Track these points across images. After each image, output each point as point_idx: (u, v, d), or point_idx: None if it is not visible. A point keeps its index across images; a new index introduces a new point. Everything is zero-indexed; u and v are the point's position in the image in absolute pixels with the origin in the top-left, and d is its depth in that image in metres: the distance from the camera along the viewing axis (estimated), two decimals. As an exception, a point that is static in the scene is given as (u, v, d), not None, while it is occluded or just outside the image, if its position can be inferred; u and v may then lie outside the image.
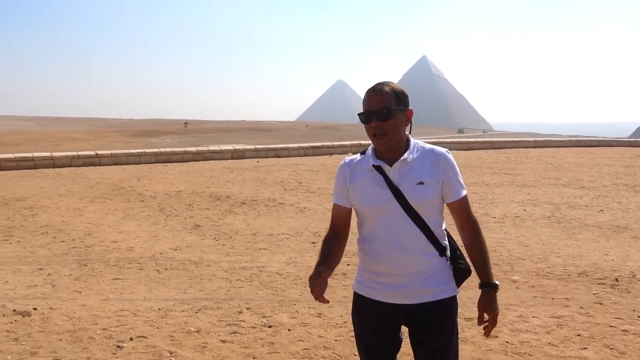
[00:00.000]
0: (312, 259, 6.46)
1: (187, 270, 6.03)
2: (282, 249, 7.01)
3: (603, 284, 5.42)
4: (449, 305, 2.24)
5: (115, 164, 18.09)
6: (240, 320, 4.49)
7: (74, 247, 7.07)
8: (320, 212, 9.43)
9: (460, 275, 2.28)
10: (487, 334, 2.24)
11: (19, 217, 9.00)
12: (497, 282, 2.24)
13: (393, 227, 2.18)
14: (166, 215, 9.24)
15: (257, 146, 22.14)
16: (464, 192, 2.25)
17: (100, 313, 4.66)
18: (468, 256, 2.28)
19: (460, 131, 68.14)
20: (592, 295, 5.10)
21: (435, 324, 2.21)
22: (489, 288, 2.21)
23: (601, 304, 4.89)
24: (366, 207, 2.23)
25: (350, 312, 2.41)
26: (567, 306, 4.84)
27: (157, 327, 4.34)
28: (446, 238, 2.30)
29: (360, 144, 24.03)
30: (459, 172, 2.25)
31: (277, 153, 21.73)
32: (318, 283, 2.12)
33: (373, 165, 2.22)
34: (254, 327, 4.36)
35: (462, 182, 2.25)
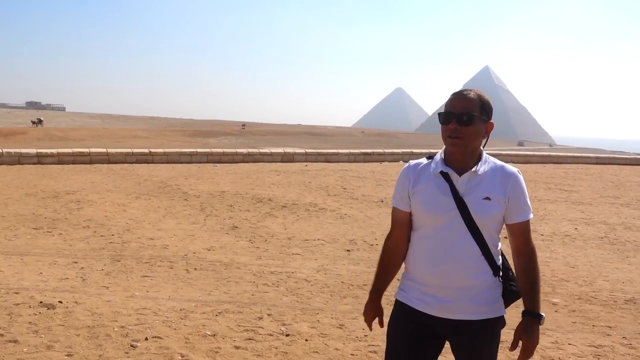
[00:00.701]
0: (343, 267, 6.30)
1: (216, 271, 5.98)
2: (316, 255, 6.87)
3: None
4: (494, 326, 2.18)
5: (168, 162, 18.44)
6: (259, 327, 4.38)
7: (111, 242, 7.16)
8: (360, 220, 9.24)
9: (509, 296, 2.22)
10: None
11: (65, 210, 9.22)
12: (542, 314, 2.15)
13: (450, 238, 2.13)
14: (206, 215, 9.27)
15: (307, 150, 22.14)
16: (530, 216, 2.18)
17: (122, 310, 4.65)
18: (518, 281, 2.20)
19: (521, 144, 66.36)
20: (638, 325, 4.72)
21: (477, 343, 2.16)
22: (532, 317, 2.12)
23: (647, 335, 4.51)
24: (426, 213, 2.18)
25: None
26: (608, 335, 4.49)
27: (175, 329, 4.28)
28: (500, 257, 2.24)
29: (412, 152, 23.66)
30: (527, 194, 2.18)
31: (327, 158, 21.65)
32: (370, 311, 2.37)
33: (441, 172, 2.17)
34: (271, 335, 4.23)
35: (529, 205, 2.18)
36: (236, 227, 8.34)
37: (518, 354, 2.16)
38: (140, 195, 11.04)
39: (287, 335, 4.25)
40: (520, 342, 2.13)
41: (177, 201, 10.47)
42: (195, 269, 6.05)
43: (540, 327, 2.17)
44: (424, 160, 2.27)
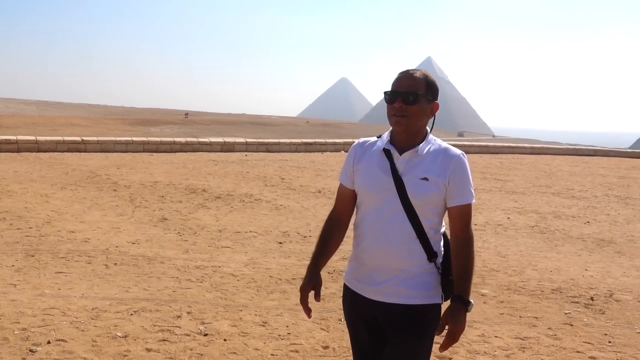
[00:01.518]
0: (273, 260, 6.10)
1: (137, 266, 5.66)
2: (246, 247, 6.64)
3: (577, 302, 5.06)
4: (425, 314, 2.11)
5: (102, 151, 17.69)
6: (175, 326, 4.12)
7: (27, 236, 6.70)
8: (296, 211, 9.05)
9: (450, 287, 2.14)
10: (442, 347, 2.09)
11: (-20, 201, 8.62)
12: (471, 301, 2.09)
13: (385, 217, 2.10)
14: (135, 206, 8.87)
15: (247, 140, 21.76)
16: (470, 200, 2.13)
17: (27, 310, 4.30)
18: (452, 267, 2.13)
19: (461, 134, 67.67)
20: (564, 315, 4.74)
21: (404, 329, 2.10)
22: (460, 303, 2.07)
23: (571, 325, 4.52)
24: (364, 190, 2.16)
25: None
26: (534, 326, 4.47)
27: (83, 330, 3.98)
28: (442, 245, 2.18)
29: (354, 141, 23.64)
30: (470, 178, 2.14)
31: (268, 148, 21.34)
32: (306, 283, 2.28)
33: (383, 149, 2.14)
34: (187, 335, 3.99)
35: (472, 190, 2.14)
36: (165, 219, 7.99)
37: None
38: (67, 185, 10.48)
39: (205, 335, 4.01)
40: (447, 327, 2.07)
41: (105, 192, 9.99)
42: (115, 264, 5.71)
43: (468, 319, 2.11)
44: (373, 138, 2.24)
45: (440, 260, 2.16)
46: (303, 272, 5.71)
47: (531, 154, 24.64)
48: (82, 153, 16.81)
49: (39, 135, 18.62)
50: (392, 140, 2.17)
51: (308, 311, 2.30)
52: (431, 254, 2.11)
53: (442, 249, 2.18)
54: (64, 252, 6.03)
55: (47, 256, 5.88)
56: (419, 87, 2.10)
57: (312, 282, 2.28)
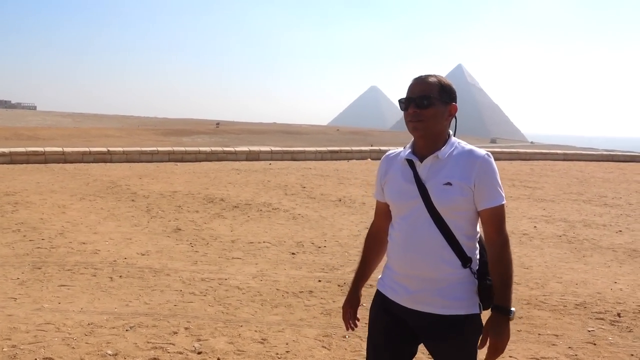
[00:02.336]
0: (283, 272, 5.89)
1: (142, 279, 5.52)
2: (257, 259, 6.45)
3: (602, 319, 4.71)
4: (463, 324, 2.03)
5: (127, 161, 17.81)
6: (170, 343, 3.94)
7: (38, 248, 6.64)
8: (313, 220, 8.84)
9: (486, 293, 2.05)
10: None
11: (-2, 212, 8.65)
12: (512, 309, 2.01)
13: (413, 226, 2.07)
14: (151, 216, 8.78)
15: (272, 148, 21.68)
16: (501, 202, 2.05)
17: (21, 326, 4.18)
18: (490, 274, 2.06)
19: (493, 141, 66.69)
20: (587, 333, 4.40)
21: (443, 341, 2.05)
22: (500, 312, 1.99)
23: (595, 344, 4.19)
24: (392, 201, 2.16)
25: None
26: (553, 345, 4.16)
27: (73, 347, 3.83)
28: (477, 250, 2.11)
29: (380, 149, 23.36)
30: (498, 178, 2.06)
31: (293, 156, 21.21)
32: (347, 302, 2.35)
33: (406, 159, 2.13)
34: (180, 353, 3.80)
35: (501, 191, 2.06)
36: (179, 230, 7.87)
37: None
38: (86, 196, 10.48)
39: (199, 353, 3.82)
40: (489, 340, 2.00)
41: (123, 202, 9.94)
42: (120, 276, 5.58)
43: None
44: (400, 149, 2.24)
45: (477, 268, 2.08)
46: (312, 284, 5.55)
47: (564, 160, 23.96)
48: (108, 163, 16.94)
49: (78, 147, 18.88)
50: (414, 148, 2.15)
51: (348, 327, 2.36)
52: (465, 260, 2.04)
53: (478, 254, 2.11)
54: (70, 264, 5.94)
55: (54, 268, 5.79)
56: (432, 91, 2.06)
57: (350, 302, 2.34)
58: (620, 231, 8.70)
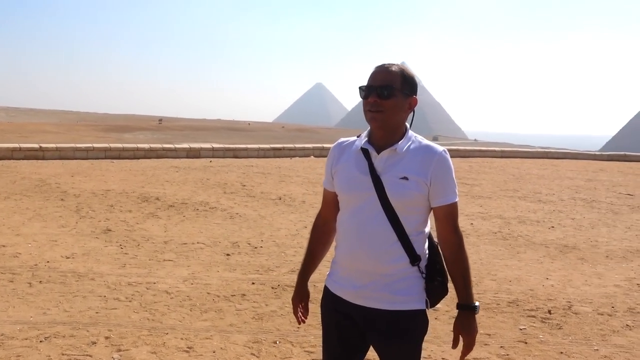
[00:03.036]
0: (216, 275, 5.69)
1: (65, 284, 5.20)
2: (190, 260, 6.22)
3: (533, 316, 4.74)
4: (410, 320, 2.01)
5: (61, 158, 17.06)
6: (86, 355, 3.69)
7: (-48, 252, 6.19)
8: (251, 219, 8.64)
9: (435, 292, 2.07)
10: (461, 358, 2.07)
11: None
12: (476, 304, 2.07)
13: (364, 219, 2.01)
14: (80, 216, 8.37)
15: (214, 145, 21.28)
16: (454, 199, 2.03)
17: None
18: (449, 274, 2.08)
19: (435, 139, 68.00)
20: (518, 332, 4.41)
21: (389, 337, 2.02)
22: (467, 310, 2.05)
23: (526, 342, 4.19)
24: (342, 191, 2.09)
25: None
26: (486, 345, 4.14)
27: (-22, 362, 3.53)
28: (426, 247, 2.08)
29: (323, 147, 23.32)
30: (453, 176, 2.04)
31: (235, 154, 20.88)
32: (296, 295, 2.30)
33: (361, 148, 2.06)
34: (97, 366, 3.56)
35: (455, 189, 2.04)
36: (109, 231, 7.52)
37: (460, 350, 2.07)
38: (11, 195, 9.92)
39: (118, 364, 3.59)
40: (461, 338, 2.06)
41: (51, 201, 9.45)
42: (40, 281, 5.24)
43: None
44: (352, 138, 2.16)
45: (425, 264, 2.05)
46: (245, 287, 5.37)
47: (502, 157, 24.57)
48: (40, 160, 16.18)
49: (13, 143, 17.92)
50: (371, 138, 2.08)
51: (299, 321, 2.32)
52: (414, 258, 2.00)
53: (427, 251, 2.08)
54: (-14, 270, 5.54)
55: (-33, 274, 5.39)
56: (395, 81, 2.01)
57: (300, 295, 2.30)
58: (553, 227, 8.91)
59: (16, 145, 17.24)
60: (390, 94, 2.00)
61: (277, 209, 9.66)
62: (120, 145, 19.22)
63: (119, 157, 18.26)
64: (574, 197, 12.39)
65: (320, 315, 2.23)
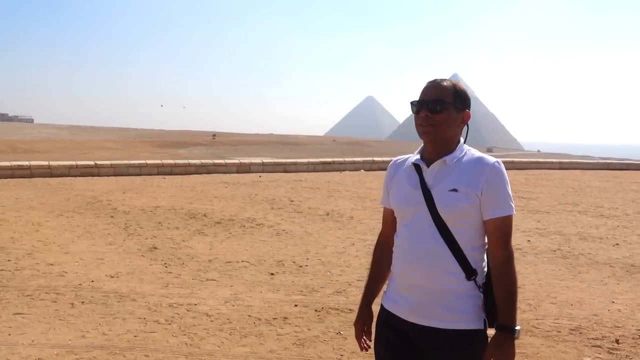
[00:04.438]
0: (259, 295, 5.51)
1: (106, 305, 5.14)
2: (233, 280, 6.08)
3: (599, 346, 4.34)
4: (468, 341, 1.92)
5: (115, 174, 17.44)
6: (120, 383, 3.57)
7: (1, 270, 6.25)
8: (298, 236, 8.46)
9: (493, 309, 1.95)
10: None
11: (-33, 231, 8.26)
12: (517, 328, 1.92)
13: (416, 233, 1.98)
14: (128, 234, 8.40)
15: (264, 160, 21.35)
16: (508, 213, 1.94)
17: (-40, 363, 3.80)
18: (493, 290, 1.94)
19: (489, 150, 66.37)
20: (582, 364, 4.04)
21: (446, 357, 1.93)
22: (505, 332, 1.90)
23: (591, 377, 3.82)
24: (397, 206, 2.09)
25: None
26: (546, 378, 3.79)
27: (12, 389, 3.44)
28: (484, 262, 2.00)
29: (373, 160, 23.04)
30: (508, 188, 1.96)
31: (285, 168, 20.87)
32: (358, 319, 2.23)
33: (413, 164, 2.06)
34: (129, 395, 3.43)
35: (511, 201, 1.96)
36: (155, 249, 7.49)
37: None
38: (64, 212, 10.10)
39: (151, 394, 3.45)
40: None
41: (101, 218, 9.56)
42: (83, 302, 5.20)
43: None
44: (408, 155, 2.16)
45: (483, 281, 1.97)
46: (287, 309, 5.17)
47: (560, 169, 23.64)
48: (95, 177, 16.58)
49: (75, 160, 18.49)
50: (423, 153, 2.08)
51: (362, 347, 2.21)
52: (470, 272, 1.93)
53: (485, 267, 2.00)
54: (32, 289, 5.56)
55: (13, 294, 5.41)
56: (446, 95, 1.99)
57: (363, 319, 2.23)
58: (618, 244, 8.35)
59: (73, 162, 17.73)
60: (442, 108, 1.98)
61: (324, 225, 9.46)
62: (172, 162, 19.51)
63: (171, 173, 18.53)
64: (639, 212, 11.66)
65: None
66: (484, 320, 1.96)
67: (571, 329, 4.70)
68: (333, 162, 22.24)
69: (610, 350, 4.25)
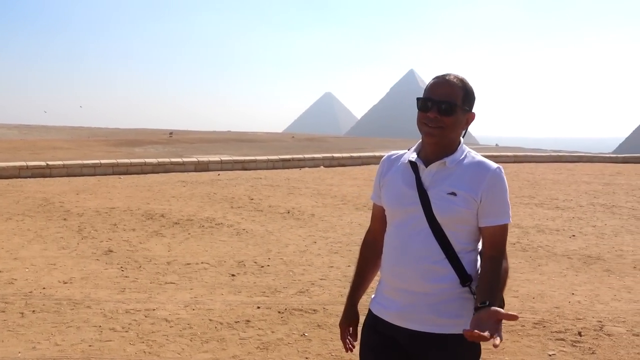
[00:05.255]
0: (220, 298, 5.37)
1: (59, 313, 4.90)
2: (193, 282, 5.90)
3: (563, 339, 4.37)
4: (458, 346, 1.84)
5: (68, 175, 16.87)
6: (74, 397, 3.38)
7: (-55, 279, 5.92)
8: (259, 235, 8.32)
9: None
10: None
11: None
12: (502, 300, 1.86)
13: (409, 234, 1.92)
14: (82, 237, 8.09)
15: (222, 158, 21.04)
16: (505, 221, 1.89)
17: None
18: (479, 279, 1.87)
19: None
20: (548, 358, 4.05)
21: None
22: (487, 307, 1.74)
23: (556, 371, 3.83)
24: (388, 205, 2.02)
25: None
26: (512, 374, 3.78)
27: (-45, 408, 3.22)
28: (478, 267, 1.93)
29: (333, 156, 23.02)
30: (507, 196, 1.92)
31: (244, 165, 20.63)
32: (344, 319, 2.16)
33: (409, 161, 1.98)
34: (84, 410, 3.25)
35: (508, 210, 1.92)
36: (111, 252, 7.23)
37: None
38: (13, 215, 9.68)
39: (108, 408, 3.28)
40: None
41: (53, 221, 9.20)
42: (33, 311, 4.95)
43: None
44: (403, 151, 2.09)
45: (476, 285, 1.89)
46: (249, 312, 5.03)
47: (515, 162, 24.11)
48: (47, 178, 16.01)
49: (2, 161, 17.77)
50: (421, 151, 2.00)
51: (347, 348, 2.15)
52: (464, 277, 1.88)
53: (479, 270, 1.93)
54: (-22, 299, 5.27)
55: (-42, 304, 5.11)
56: (457, 97, 1.91)
57: (348, 319, 2.17)
58: (574, 236, 8.52)
59: (23, 163, 17.08)
60: (452, 111, 1.90)
61: (285, 223, 9.34)
62: (127, 161, 19.03)
63: (126, 173, 18.08)
64: (592, 203, 11.96)
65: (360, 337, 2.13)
66: None
67: (534, 323, 4.72)
68: (292, 159, 22.11)
69: (574, 343, 4.28)
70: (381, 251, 2.10)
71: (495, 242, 1.89)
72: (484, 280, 1.85)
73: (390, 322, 1.96)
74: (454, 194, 1.88)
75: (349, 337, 2.16)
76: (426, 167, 1.95)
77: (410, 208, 1.93)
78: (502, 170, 1.93)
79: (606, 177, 17.64)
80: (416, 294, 1.90)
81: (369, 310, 2.08)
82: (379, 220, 2.13)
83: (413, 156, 1.99)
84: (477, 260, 1.95)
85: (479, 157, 1.96)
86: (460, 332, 1.77)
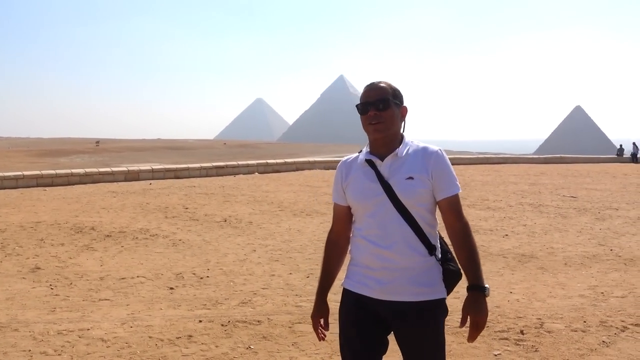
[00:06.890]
0: (159, 313, 5.14)
1: (-18, 338, 4.54)
2: (129, 298, 5.64)
3: (506, 339, 4.44)
4: (433, 310, 2.17)
5: (-14, 188, 15.93)
6: None
7: None
8: (196, 246, 8.09)
9: (450, 278, 2.23)
10: (470, 338, 2.13)
11: None
12: (487, 286, 2.15)
13: (382, 221, 2.17)
14: (5, 254, 7.60)
15: (153, 166, 20.46)
16: (457, 191, 2.20)
17: None
18: (457, 258, 2.21)
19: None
20: (494, 358, 4.10)
21: (417, 326, 2.14)
22: (477, 291, 2.14)
23: (503, 370, 3.88)
24: (357, 201, 2.25)
25: None
26: (461, 376, 3.80)
27: None
28: (438, 239, 2.25)
29: (267, 163, 22.86)
30: (452, 170, 2.22)
31: (177, 174, 20.16)
32: (316, 312, 2.38)
33: (366, 160, 2.26)
34: None
35: (456, 181, 2.21)
36: (38, 269, 6.82)
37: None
38: None
39: None
40: (469, 318, 2.12)
41: (-28, 239, 8.60)
42: (-46, 338, 4.57)
43: None
44: (355, 155, 2.37)
45: (440, 255, 2.22)
46: (191, 326, 4.82)
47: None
48: (-37, 192, 15.04)
49: None
50: (372, 150, 2.28)
51: (320, 337, 2.38)
52: (431, 248, 2.17)
53: (439, 243, 2.25)
54: None
55: None
56: (387, 94, 2.24)
57: (320, 312, 2.38)
58: (507, 235, 8.79)
59: None
60: (387, 106, 2.22)
61: (223, 232, 9.14)
62: (52, 172, 18.17)
63: (52, 185, 17.31)
64: (521, 203, 12.41)
65: (337, 321, 2.32)
66: (445, 289, 2.22)
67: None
68: (226, 166, 21.80)
69: (517, 342, 4.36)
70: (345, 248, 2.39)
71: (453, 209, 2.18)
72: (465, 253, 2.16)
73: (374, 297, 2.19)
74: (411, 178, 2.17)
75: (320, 327, 2.38)
76: (382, 161, 2.22)
77: (377, 199, 2.19)
78: (443, 151, 2.23)
79: (531, 177, 18.39)
80: (397, 270, 2.15)
81: (347, 291, 2.29)
82: (342, 220, 2.37)
83: (368, 155, 2.26)
84: (437, 233, 2.25)
85: (421, 144, 2.27)
86: (433, 297, 2.15)
